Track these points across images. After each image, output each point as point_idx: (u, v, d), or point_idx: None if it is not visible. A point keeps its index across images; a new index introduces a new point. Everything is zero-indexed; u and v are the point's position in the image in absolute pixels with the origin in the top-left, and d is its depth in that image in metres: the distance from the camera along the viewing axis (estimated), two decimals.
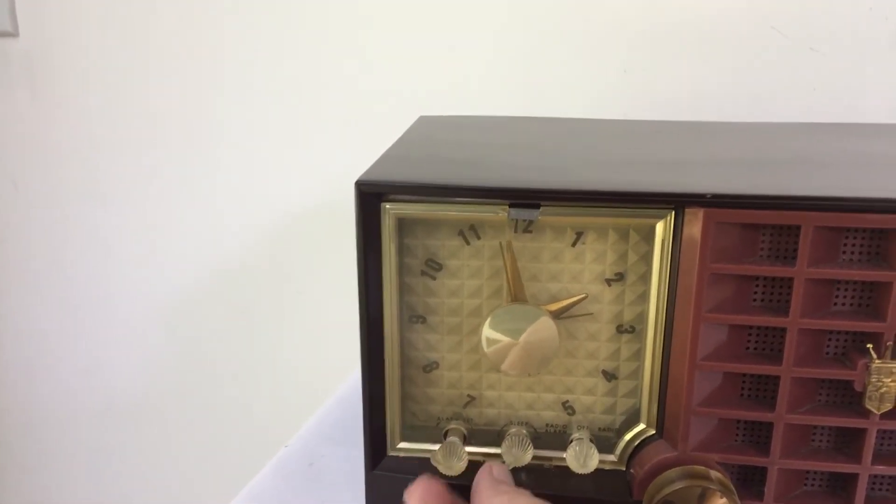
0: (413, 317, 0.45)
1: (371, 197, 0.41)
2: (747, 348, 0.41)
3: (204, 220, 0.93)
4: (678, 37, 0.73)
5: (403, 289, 0.44)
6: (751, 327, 0.41)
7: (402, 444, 0.46)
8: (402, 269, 0.44)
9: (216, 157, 0.90)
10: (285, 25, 0.84)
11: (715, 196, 0.38)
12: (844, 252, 0.39)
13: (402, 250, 0.44)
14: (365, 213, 0.41)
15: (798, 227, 0.38)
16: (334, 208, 0.87)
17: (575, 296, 0.44)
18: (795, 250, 0.38)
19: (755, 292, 0.40)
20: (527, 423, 0.47)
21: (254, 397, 1.00)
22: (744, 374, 0.42)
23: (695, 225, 0.39)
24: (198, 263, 0.95)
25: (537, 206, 0.41)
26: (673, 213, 0.40)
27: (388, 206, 0.42)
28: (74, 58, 0.90)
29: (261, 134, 0.88)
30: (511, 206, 0.41)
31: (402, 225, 0.43)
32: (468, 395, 0.47)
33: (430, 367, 0.46)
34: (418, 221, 0.43)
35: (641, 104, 0.75)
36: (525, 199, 0.41)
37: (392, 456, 0.46)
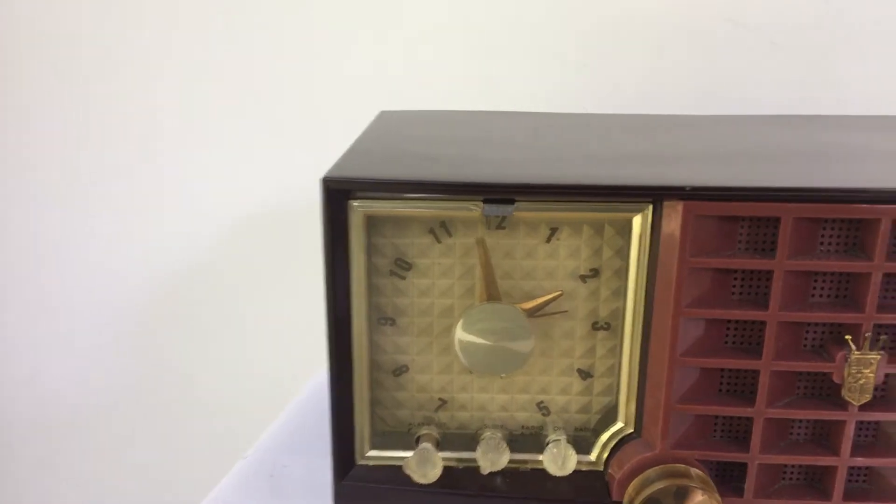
0: (382, 319, 0.43)
1: (338, 194, 0.39)
2: (725, 342, 0.41)
3: (152, 220, 0.89)
4: (635, 28, 0.73)
5: (372, 290, 0.43)
6: (728, 321, 0.40)
7: (372, 453, 0.44)
8: (370, 269, 0.42)
9: (166, 155, 0.87)
10: (237, 18, 0.81)
11: (695, 189, 0.37)
12: (822, 243, 0.39)
13: (370, 249, 0.42)
14: (332, 210, 0.39)
15: (777, 219, 0.37)
16: (296, 206, 0.84)
17: (549, 293, 0.43)
18: (773, 242, 0.38)
19: (733, 285, 0.40)
20: (501, 426, 0.45)
21: (209, 406, 0.96)
22: (721, 369, 0.41)
23: (674, 218, 0.38)
24: (149, 266, 0.91)
25: (512, 202, 0.40)
26: (651, 206, 0.39)
27: (355, 204, 0.40)
28: (6, 55, 0.86)
29: (215, 131, 0.84)
30: (485, 202, 0.40)
31: (371, 223, 0.41)
32: (439, 399, 0.45)
33: (400, 370, 0.44)
34: (387, 219, 0.41)
35: (601, 98, 0.74)
36: (500, 194, 0.39)
37: (361, 465, 0.44)
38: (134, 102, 0.86)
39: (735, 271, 0.39)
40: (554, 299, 0.42)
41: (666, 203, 0.38)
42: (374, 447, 0.44)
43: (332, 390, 0.42)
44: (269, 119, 0.83)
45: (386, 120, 0.57)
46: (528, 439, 0.45)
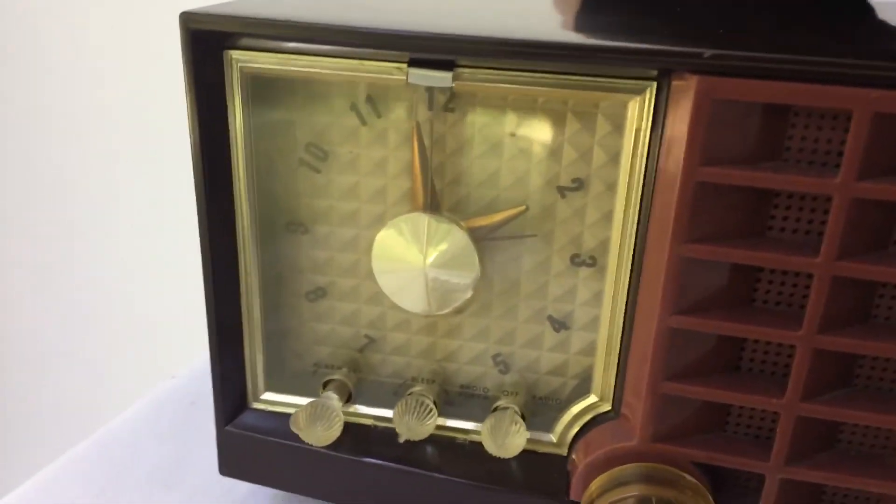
0: (291, 224, 0.33)
1: (206, 38, 0.28)
2: (754, 299, 0.28)
3: None
4: None
5: (272, 182, 0.32)
6: (761, 269, 0.27)
7: (269, 395, 0.34)
8: (263, 152, 0.31)
9: None
10: None
11: (717, 56, 0.24)
12: None
13: (264, 125, 0.31)
14: (198, 64, 0.28)
15: (848, 115, 0.23)
16: None
17: (515, 207, 0.30)
18: (841, 153, 0.24)
19: (774, 216, 0.26)
20: (445, 380, 0.34)
21: (144, 326, 0.88)
22: (745, 338, 0.28)
23: (683, 104, 0.25)
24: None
25: (451, 66, 0.27)
26: (655, 85, 0.26)
27: (234, 56, 0.28)
28: None
29: None
30: (411, 63, 0.27)
31: (262, 88, 0.30)
32: (366, 336, 0.34)
33: (316, 294, 0.34)
34: (287, 84, 0.30)
35: None
36: (432, 51, 0.27)
37: (255, 409, 0.34)
38: None
39: (777, 194, 0.26)
40: (515, 217, 0.30)
41: (675, 81, 0.25)
42: (272, 389, 0.34)
43: (211, 315, 0.32)
44: None
45: None
46: (474, 402, 0.34)
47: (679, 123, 0.25)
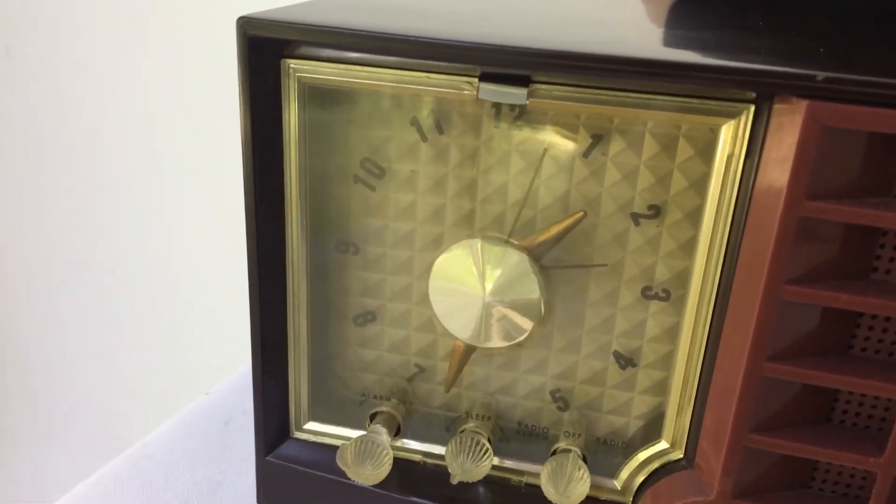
0: (341, 243, 0.31)
1: (264, 46, 0.26)
2: (852, 346, 0.25)
3: None
4: None
5: (323, 198, 0.30)
6: (861, 314, 0.25)
7: (312, 425, 0.32)
8: (318, 167, 0.29)
9: None
10: None
11: (831, 80, 0.21)
12: None
13: (318, 138, 0.29)
14: (254, 72, 0.26)
15: None
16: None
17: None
18: None
19: (879, 256, 0.24)
20: (498, 415, 0.32)
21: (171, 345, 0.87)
22: (837, 389, 0.26)
23: (787, 130, 0.22)
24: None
25: (526, 82, 0.25)
26: (752, 108, 0.24)
27: (292, 65, 0.27)
28: None
29: None
30: (482, 77, 0.25)
31: (320, 99, 0.28)
32: (416, 365, 0.32)
33: (364, 318, 0.32)
34: (347, 97, 0.28)
35: None
36: (506, 65, 0.25)
37: (298, 439, 0.32)
38: None
39: (885, 232, 0.24)
40: (573, 225, 0.28)
41: (778, 104, 0.23)
42: (316, 418, 0.32)
43: (256, 339, 0.30)
44: None
45: None
46: (531, 441, 0.31)
47: (780, 151, 0.23)
